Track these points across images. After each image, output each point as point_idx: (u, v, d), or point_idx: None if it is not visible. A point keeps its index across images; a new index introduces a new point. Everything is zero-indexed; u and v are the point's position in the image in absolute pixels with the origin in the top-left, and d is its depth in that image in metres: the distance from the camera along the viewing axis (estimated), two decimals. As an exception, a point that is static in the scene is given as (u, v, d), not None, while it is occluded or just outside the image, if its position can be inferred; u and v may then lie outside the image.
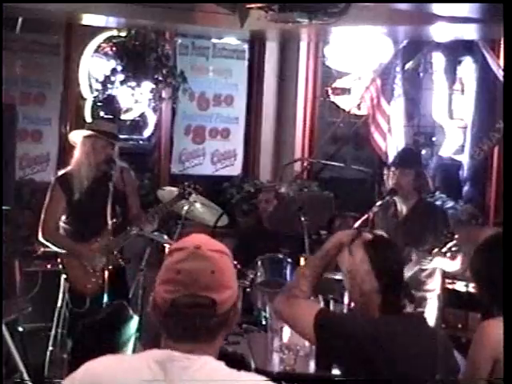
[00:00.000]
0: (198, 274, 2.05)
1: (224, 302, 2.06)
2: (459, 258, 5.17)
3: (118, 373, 2.04)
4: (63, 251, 5.55)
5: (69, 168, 5.63)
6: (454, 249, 5.06)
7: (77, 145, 5.64)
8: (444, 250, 5.06)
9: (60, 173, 5.67)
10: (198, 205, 6.14)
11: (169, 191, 6.23)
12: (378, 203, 5.73)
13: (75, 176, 5.54)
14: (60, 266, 5.56)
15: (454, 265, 5.21)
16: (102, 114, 7.10)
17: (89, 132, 5.60)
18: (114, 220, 5.50)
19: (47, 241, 5.57)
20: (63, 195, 5.55)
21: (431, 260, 5.13)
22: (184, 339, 2.06)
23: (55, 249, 5.60)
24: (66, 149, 7.03)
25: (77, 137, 5.67)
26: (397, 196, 5.65)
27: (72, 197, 5.54)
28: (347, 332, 2.98)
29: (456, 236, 5.07)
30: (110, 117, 7.09)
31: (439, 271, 5.45)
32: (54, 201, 5.56)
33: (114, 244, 5.54)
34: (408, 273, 4.91)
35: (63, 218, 5.59)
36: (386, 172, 5.65)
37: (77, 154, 5.62)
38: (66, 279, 5.52)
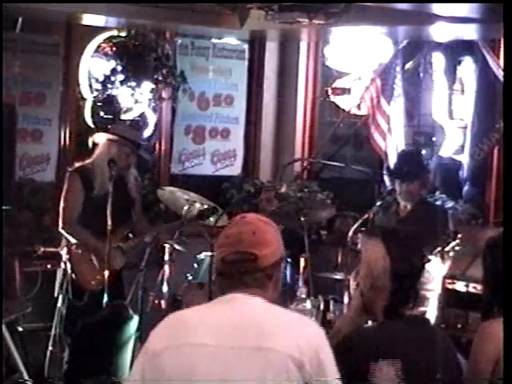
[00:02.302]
0: (241, 235, 2.54)
1: (265, 257, 2.54)
2: (456, 261, 5.16)
3: (196, 317, 2.54)
4: (82, 243, 5.56)
5: (87, 162, 5.68)
6: (456, 248, 5.05)
7: (99, 144, 5.71)
8: (447, 249, 5.05)
9: (77, 165, 5.71)
10: (197, 205, 6.14)
11: (169, 191, 6.24)
12: (378, 203, 5.74)
13: (97, 175, 5.59)
14: (65, 256, 5.56)
15: (451, 267, 5.20)
16: (101, 113, 7.10)
17: (116, 137, 5.65)
18: (131, 221, 5.71)
19: (67, 232, 5.59)
20: (82, 189, 5.58)
21: (430, 260, 5.11)
22: (237, 290, 2.53)
23: (74, 241, 5.60)
24: (66, 149, 7.04)
25: (102, 137, 5.74)
26: (399, 195, 5.67)
27: (91, 194, 5.58)
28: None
29: (459, 235, 5.06)
30: (110, 117, 7.09)
31: (439, 271, 5.45)
32: (75, 192, 5.58)
33: (126, 246, 5.66)
34: None
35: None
36: (396, 184, 5.69)
37: (99, 152, 5.68)
38: (68, 269, 5.53)
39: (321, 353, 2.48)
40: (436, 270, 5.38)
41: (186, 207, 6.05)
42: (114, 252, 5.53)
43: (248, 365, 2.42)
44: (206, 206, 5.89)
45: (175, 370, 2.44)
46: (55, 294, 5.60)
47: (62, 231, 5.59)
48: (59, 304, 5.60)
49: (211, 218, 5.88)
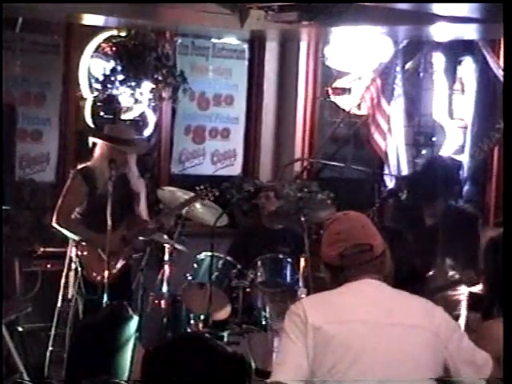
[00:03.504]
0: (352, 230, 2.77)
1: (378, 246, 2.77)
2: None
3: (339, 298, 2.75)
4: (78, 238, 5.66)
5: (89, 163, 5.79)
6: None
7: (97, 144, 5.81)
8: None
9: (80, 166, 5.82)
10: (197, 205, 6.14)
11: (169, 191, 6.24)
12: (378, 203, 5.72)
13: (98, 173, 5.72)
14: (73, 253, 5.65)
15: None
16: (101, 113, 7.10)
17: (107, 142, 5.74)
18: (134, 216, 5.81)
19: (61, 227, 5.70)
20: (85, 187, 5.72)
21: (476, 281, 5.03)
22: (359, 279, 2.74)
23: (68, 235, 5.69)
24: (66, 149, 7.05)
25: (96, 139, 5.85)
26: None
27: (95, 191, 5.70)
28: None
29: None
30: (110, 117, 7.09)
31: None
32: (75, 190, 5.73)
33: (131, 236, 5.74)
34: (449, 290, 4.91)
35: (78, 209, 5.74)
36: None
37: (97, 154, 5.79)
38: (79, 266, 5.58)
39: (452, 327, 2.78)
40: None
41: (186, 207, 6.06)
42: (118, 243, 5.64)
43: (407, 340, 2.67)
44: (202, 186, 5.93)
45: (342, 342, 2.64)
46: (69, 297, 5.64)
47: (56, 225, 5.66)
48: (72, 303, 5.65)
49: (211, 197, 5.92)
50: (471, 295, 5.65)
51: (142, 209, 5.97)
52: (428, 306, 2.79)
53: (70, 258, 5.69)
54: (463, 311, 5.41)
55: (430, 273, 5.03)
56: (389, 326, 2.68)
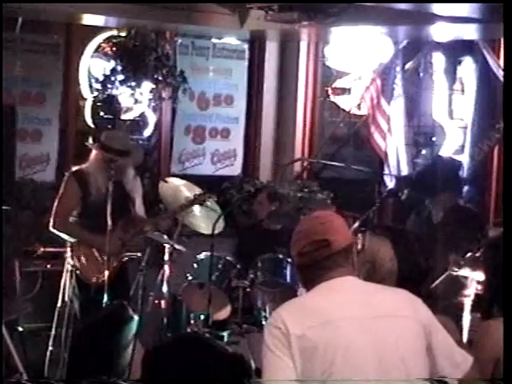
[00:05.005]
0: (311, 227, 2.75)
1: (336, 241, 2.71)
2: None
3: (314, 301, 2.70)
4: (74, 240, 5.65)
5: (84, 166, 5.75)
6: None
7: (93, 148, 5.77)
8: (478, 254, 4.97)
9: (74, 168, 5.79)
10: (196, 209, 6.11)
11: (171, 188, 6.20)
12: (378, 203, 5.73)
13: (92, 176, 5.68)
14: (68, 254, 5.64)
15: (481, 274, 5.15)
16: (101, 113, 7.10)
17: (102, 151, 5.68)
18: (130, 219, 5.76)
19: (59, 231, 5.67)
20: (79, 190, 5.68)
21: (462, 266, 5.04)
22: (327, 276, 2.68)
23: (66, 238, 5.69)
24: (66, 149, 7.05)
25: (92, 146, 5.83)
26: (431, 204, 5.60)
27: (89, 195, 5.68)
28: None
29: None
30: (110, 117, 7.10)
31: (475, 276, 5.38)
32: (69, 193, 5.69)
33: (127, 237, 5.71)
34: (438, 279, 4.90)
35: (74, 212, 5.71)
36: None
37: (92, 158, 5.75)
38: (73, 266, 5.58)
39: (432, 318, 2.74)
40: (472, 275, 5.29)
41: (183, 211, 6.03)
42: (115, 244, 5.61)
43: (396, 330, 2.64)
44: (197, 192, 5.90)
45: (328, 344, 2.57)
46: (66, 298, 5.64)
47: (53, 230, 5.66)
48: (68, 304, 5.65)
49: (208, 203, 5.89)
50: (476, 298, 5.65)
51: (139, 208, 5.93)
52: (409, 296, 2.75)
53: (66, 257, 5.68)
54: (467, 314, 5.39)
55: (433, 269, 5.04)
56: (375, 318, 2.64)
